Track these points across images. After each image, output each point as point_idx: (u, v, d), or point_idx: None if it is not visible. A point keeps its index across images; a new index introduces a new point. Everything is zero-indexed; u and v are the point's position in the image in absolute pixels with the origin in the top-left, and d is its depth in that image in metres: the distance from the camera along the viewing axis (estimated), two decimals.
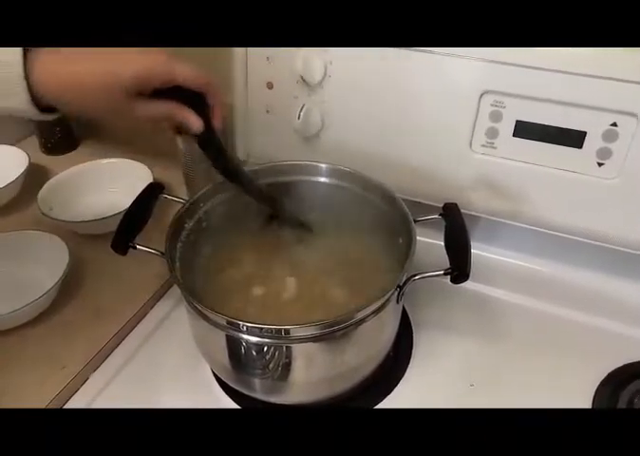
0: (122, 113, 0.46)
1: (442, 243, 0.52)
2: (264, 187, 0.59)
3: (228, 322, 0.46)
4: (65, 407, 0.57)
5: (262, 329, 0.46)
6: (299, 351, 0.47)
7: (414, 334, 0.62)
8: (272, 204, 0.60)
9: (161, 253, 0.52)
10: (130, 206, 0.56)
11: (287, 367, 0.49)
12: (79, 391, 0.58)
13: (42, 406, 0.55)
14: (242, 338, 0.47)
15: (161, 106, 0.47)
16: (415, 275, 0.50)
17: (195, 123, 0.48)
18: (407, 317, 0.63)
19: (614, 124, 0.53)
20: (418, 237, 0.51)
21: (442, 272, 0.48)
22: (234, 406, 0.56)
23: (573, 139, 0.55)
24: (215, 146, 0.51)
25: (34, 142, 0.94)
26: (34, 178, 0.84)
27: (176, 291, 0.69)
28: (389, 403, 0.56)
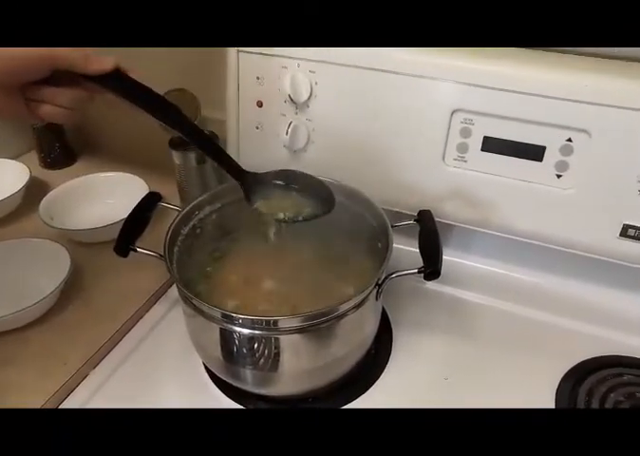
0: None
1: (418, 250, 0.56)
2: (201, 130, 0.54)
3: (222, 315, 0.50)
4: (66, 401, 0.60)
5: (253, 320, 0.50)
6: (287, 342, 0.52)
7: (394, 334, 0.66)
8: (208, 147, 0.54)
9: (160, 255, 0.56)
10: (131, 213, 0.60)
11: (276, 358, 0.53)
12: (79, 387, 0.61)
13: (44, 399, 0.58)
14: (235, 330, 0.51)
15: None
16: (392, 274, 0.54)
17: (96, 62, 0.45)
18: (388, 319, 0.68)
19: (569, 140, 0.59)
20: (396, 244, 0.56)
21: (416, 270, 0.53)
22: (224, 399, 0.60)
23: (534, 153, 0.61)
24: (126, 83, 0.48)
25: (34, 157, 0.98)
26: (34, 191, 0.88)
27: (170, 295, 0.73)
28: (373, 393, 0.60)
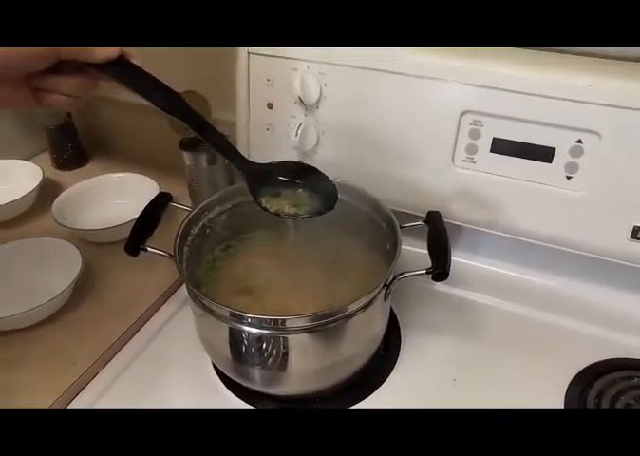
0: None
1: (426, 251, 0.56)
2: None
3: (231, 314, 0.51)
4: (75, 400, 0.60)
5: (262, 320, 0.50)
6: (295, 341, 0.52)
7: (402, 334, 0.67)
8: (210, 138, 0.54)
9: (170, 254, 0.56)
10: (142, 212, 0.60)
11: (284, 357, 0.53)
12: (89, 385, 0.62)
13: (53, 398, 0.59)
14: (244, 330, 0.51)
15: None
16: (401, 274, 0.54)
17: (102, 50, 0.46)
18: (396, 319, 0.68)
19: (579, 141, 0.58)
20: (404, 246, 0.56)
21: (424, 271, 0.53)
22: (233, 398, 0.60)
23: (543, 154, 0.60)
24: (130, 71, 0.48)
25: (46, 158, 0.99)
26: (47, 191, 0.89)
27: (179, 295, 0.73)
28: (381, 393, 0.60)
